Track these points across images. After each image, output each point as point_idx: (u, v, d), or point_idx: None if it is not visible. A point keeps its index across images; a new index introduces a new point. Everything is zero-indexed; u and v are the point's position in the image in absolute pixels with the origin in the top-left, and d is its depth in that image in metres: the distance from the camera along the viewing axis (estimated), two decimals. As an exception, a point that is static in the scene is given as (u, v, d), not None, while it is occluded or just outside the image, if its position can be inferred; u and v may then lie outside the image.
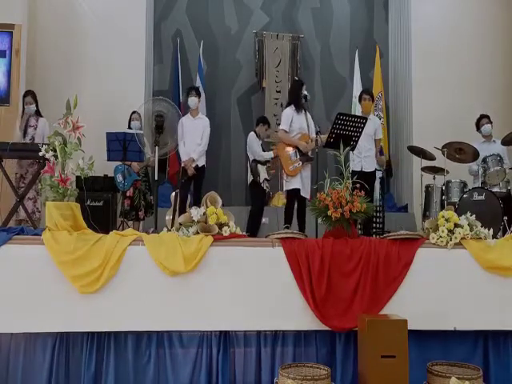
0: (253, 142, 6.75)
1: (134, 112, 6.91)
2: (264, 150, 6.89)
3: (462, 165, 6.47)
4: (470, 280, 3.88)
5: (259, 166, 6.67)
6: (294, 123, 5.53)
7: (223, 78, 9.02)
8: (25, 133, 6.20)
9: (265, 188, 6.74)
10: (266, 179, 6.68)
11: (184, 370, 3.76)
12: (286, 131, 5.54)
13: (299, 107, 5.57)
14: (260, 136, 6.89)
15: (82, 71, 7.40)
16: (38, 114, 6.29)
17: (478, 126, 6.66)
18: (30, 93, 6.33)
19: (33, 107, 6.23)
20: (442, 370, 3.62)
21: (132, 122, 6.85)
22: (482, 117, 6.65)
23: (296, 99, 5.64)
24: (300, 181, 5.45)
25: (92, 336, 3.74)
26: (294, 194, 5.51)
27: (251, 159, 6.73)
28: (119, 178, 6.46)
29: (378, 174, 7.34)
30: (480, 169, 6.03)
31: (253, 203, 6.72)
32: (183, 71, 8.78)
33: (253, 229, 6.17)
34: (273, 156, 6.70)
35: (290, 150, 5.51)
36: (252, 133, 6.86)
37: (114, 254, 3.65)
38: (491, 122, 6.60)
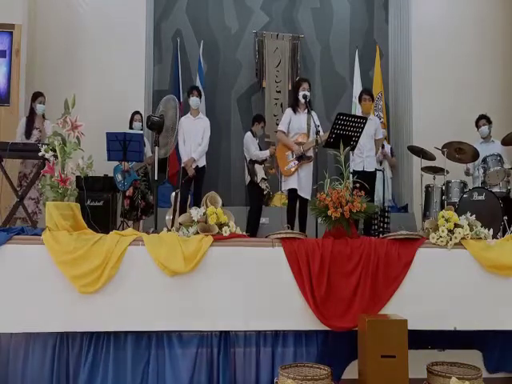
0: (249, 142, 6.75)
1: (136, 113, 6.90)
2: (261, 149, 6.88)
3: (462, 165, 6.47)
4: (469, 280, 3.88)
5: (256, 165, 6.67)
6: (293, 123, 5.53)
7: (223, 78, 9.02)
8: (29, 134, 6.17)
9: (263, 188, 6.74)
10: (263, 178, 6.68)
11: (184, 370, 3.76)
12: (283, 132, 5.55)
13: (297, 107, 5.57)
14: (256, 134, 6.88)
15: (81, 71, 7.40)
16: (43, 116, 6.27)
17: (477, 126, 6.66)
18: (42, 94, 6.30)
19: (43, 107, 6.21)
20: (442, 370, 3.62)
21: (134, 123, 6.84)
22: (481, 118, 6.63)
23: (293, 99, 5.67)
24: (297, 181, 5.44)
25: (92, 336, 3.74)
26: (293, 194, 5.50)
27: (248, 159, 6.73)
28: (118, 177, 6.46)
29: (389, 174, 7.36)
30: (480, 169, 6.03)
31: (251, 203, 6.72)
32: (183, 71, 8.78)
33: (252, 229, 6.17)
34: (269, 154, 6.70)
35: (289, 151, 5.51)
36: (248, 133, 6.86)
37: (114, 253, 3.65)
38: (490, 123, 6.59)
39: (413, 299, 3.79)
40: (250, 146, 6.71)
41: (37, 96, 6.27)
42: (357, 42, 9.25)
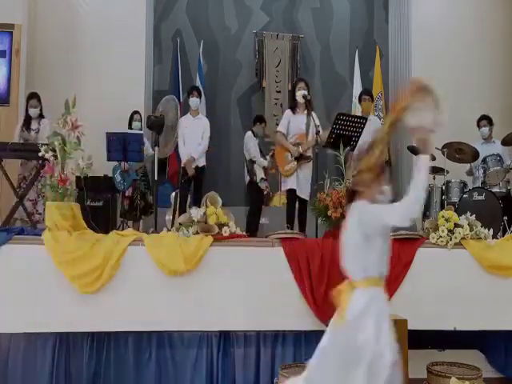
0: (249, 141, 6.78)
1: (135, 112, 6.90)
2: (261, 150, 6.92)
3: (461, 165, 6.46)
4: (470, 280, 3.89)
5: (256, 165, 6.70)
6: (291, 124, 5.53)
7: (223, 78, 9.01)
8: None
9: (263, 188, 6.77)
10: (262, 178, 6.71)
11: (184, 370, 3.76)
12: (282, 133, 5.55)
13: (296, 108, 5.57)
14: (257, 135, 6.91)
15: (81, 71, 7.39)
16: (40, 116, 6.26)
17: (479, 126, 6.65)
18: (35, 95, 6.27)
19: (37, 110, 6.20)
20: (442, 370, 3.62)
21: (134, 123, 6.83)
22: (482, 118, 6.60)
23: (292, 100, 5.67)
24: (296, 181, 5.43)
25: (92, 336, 3.74)
26: (292, 194, 5.51)
27: (247, 159, 6.75)
28: (118, 177, 6.45)
29: None
30: (480, 169, 6.03)
31: (250, 203, 6.72)
32: (183, 71, 8.77)
33: (252, 229, 6.16)
34: (266, 165, 6.77)
35: (288, 152, 5.51)
36: (249, 132, 6.88)
37: (114, 253, 3.66)
38: (491, 124, 6.56)
39: (413, 299, 3.79)
40: (251, 145, 6.73)
41: (28, 99, 6.24)
42: (357, 42, 9.24)
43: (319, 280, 3.76)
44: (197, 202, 5.82)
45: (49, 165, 3.92)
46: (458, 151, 6.19)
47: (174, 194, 6.41)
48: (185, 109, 7.04)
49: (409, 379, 3.41)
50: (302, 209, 5.48)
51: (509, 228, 5.27)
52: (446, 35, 8.10)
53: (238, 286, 3.75)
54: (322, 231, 4.32)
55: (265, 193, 7.09)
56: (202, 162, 6.32)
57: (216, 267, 3.76)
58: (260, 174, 6.71)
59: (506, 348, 4.07)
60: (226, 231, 3.84)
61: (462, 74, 7.99)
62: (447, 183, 6.12)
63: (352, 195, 2.49)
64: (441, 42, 8.08)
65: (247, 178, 6.77)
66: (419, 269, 3.86)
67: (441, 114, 2.39)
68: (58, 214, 3.73)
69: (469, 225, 3.99)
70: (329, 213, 3.95)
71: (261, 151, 6.91)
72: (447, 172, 6.14)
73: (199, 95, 6.46)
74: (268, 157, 6.82)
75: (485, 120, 6.57)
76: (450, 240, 3.90)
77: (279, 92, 8.96)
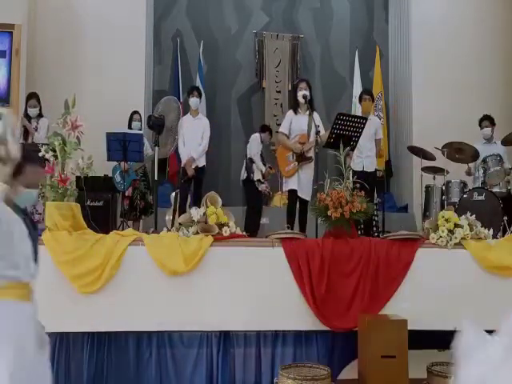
0: (254, 143, 6.93)
1: (135, 112, 6.90)
2: (262, 155, 6.99)
3: (462, 165, 6.45)
4: (469, 280, 3.89)
5: (254, 165, 6.77)
6: (293, 125, 5.54)
7: (223, 77, 9.02)
8: (26, 135, 6.17)
9: (263, 189, 6.86)
10: (259, 180, 6.79)
11: (184, 369, 3.76)
12: (283, 134, 5.56)
13: (298, 108, 5.57)
14: (263, 142, 7.06)
15: (81, 71, 7.39)
16: (40, 115, 6.27)
17: (480, 125, 6.61)
18: (34, 95, 6.28)
19: (36, 110, 6.22)
20: (442, 370, 3.62)
21: (133, 123, 6.84)
22: (484, 118, 6.54)
23: (293, 101, 5.69)
24: (297, 182, 5.43)
25: (92, 336, 3.74)
26: (293, 195, 5.51)
27: (248, 156, 6.82)
28: (117, 178, 6.45)
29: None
30: (480, 169, 6.02)
31: (248, 202, 6.75)
32: (183, 71, 8.78)
33: (251, 228, 6.15)
34: (264, 171, 6.87)
35: (289, 153, 5.53)
36: (257, 134, 7.06)
37: (114, 253, 3.66)
38: (494, 125, 6.52)
39: (413, 299, 3.79)
40: (254, 147, 6.87)
41: (28, 99, 6.26)
42: (357, 42, 9.25)
43: (319, 280, 3.76)
44: (197, 202, 5.82)
45: (49, 165, 3.92)
46: (458, 151, 6.18)
47: (173, 194, 6.42)
48: (185, 109, 7.04)
49: (409, 379, 3.41)
50: (302, 209, 5.47)
51: (509, 228, 5.26)
52: (445, 35, 8.10)
53: (238, 286, 3.75)
54: (322, 231, 4.32)
55: (265, 193, 7.13)
56: (201, 162, 6.32)
57: (216, 267, 3.76)
58: (258, 175, 6.79)
59: None
60: (226, 231, 3.84)
61: (462, 74, 7.99)
62: (447, 183, 6.12)
63: None
64: (441, 42, 8.08)
65: (244, 175, 6.83)
66: (419, 269, 3.86)
67: None
68: (57, 214, 3.73)
69: (469, 225, 3.99)
70: (329, 213, 3.94)
71: (261, 156, 7.01)
72: (447, 172, 6.14)
73: (199, 95, 6.46)
74: (265, 169, 6.95)
75: (487, 121, 6.50)
76: (450, 240, 3.90)
77: (279, 92, 8.97)
